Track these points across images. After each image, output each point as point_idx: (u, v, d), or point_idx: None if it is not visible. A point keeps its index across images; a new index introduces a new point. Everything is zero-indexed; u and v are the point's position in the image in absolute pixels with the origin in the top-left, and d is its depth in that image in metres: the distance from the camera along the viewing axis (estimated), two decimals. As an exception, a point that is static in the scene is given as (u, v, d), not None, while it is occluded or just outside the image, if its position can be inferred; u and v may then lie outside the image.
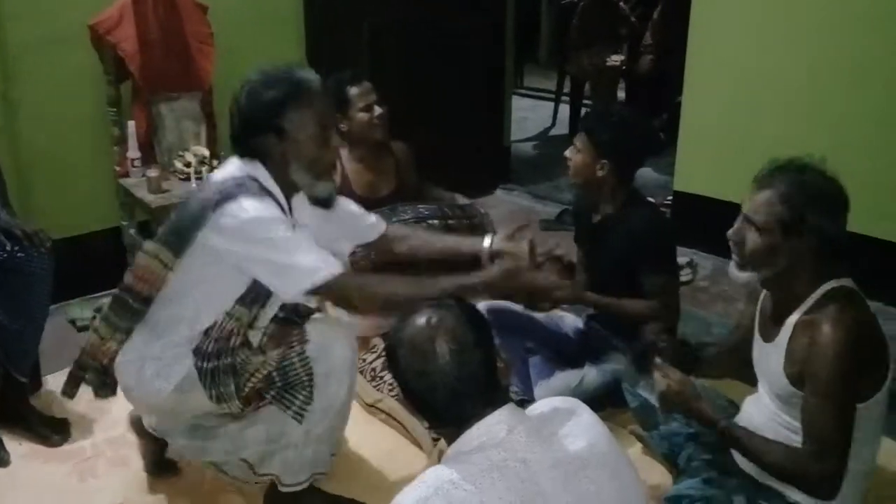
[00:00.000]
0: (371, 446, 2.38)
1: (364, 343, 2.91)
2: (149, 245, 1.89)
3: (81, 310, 3.16)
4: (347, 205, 2.11)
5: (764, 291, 1.85)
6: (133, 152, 3.26)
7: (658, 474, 2.19)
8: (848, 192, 1.67)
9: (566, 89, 6.63)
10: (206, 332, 1.86)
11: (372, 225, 2.15)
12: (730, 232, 1.74)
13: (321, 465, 2.00)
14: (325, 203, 1.92)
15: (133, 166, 3.26)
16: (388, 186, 3.02)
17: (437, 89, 4.45)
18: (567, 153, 2.44)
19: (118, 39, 3.13)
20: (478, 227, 3.00)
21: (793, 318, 1.70)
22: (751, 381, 1.93)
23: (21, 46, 3.11)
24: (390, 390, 2.52)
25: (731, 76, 3.67)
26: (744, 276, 1.74)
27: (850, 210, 1.66)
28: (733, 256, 1.76)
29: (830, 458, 1.57)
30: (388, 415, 2.49)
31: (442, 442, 1.97)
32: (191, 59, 3.34)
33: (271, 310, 1.93)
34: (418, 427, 2.34)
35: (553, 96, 7.05)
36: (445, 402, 1.22)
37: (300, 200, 1.94)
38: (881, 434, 1.76)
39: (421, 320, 1.26)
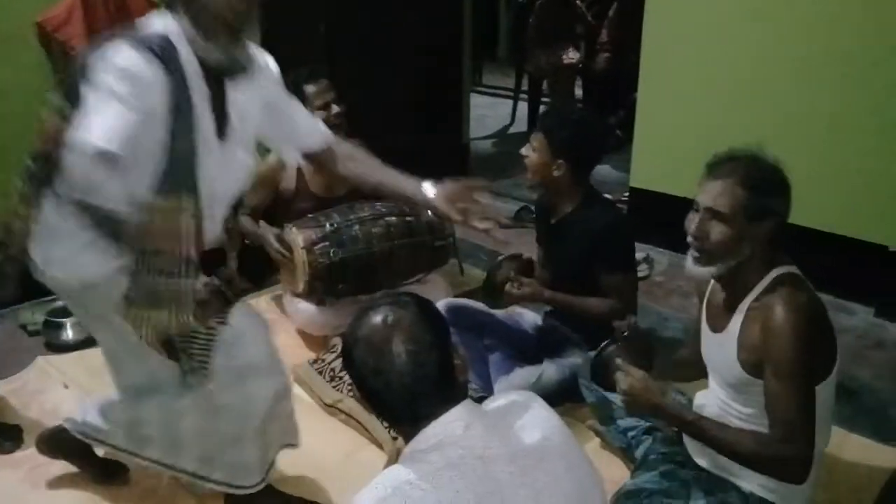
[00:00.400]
0: (331, 447, 2.36)
1: (323, 342, 2.90)
2: (50, 96, 1.67)
3: (32, 314, 3.09)
4: (297, 107, 1.99)
5: (711, 283, 1.86)
6: (84, 152, 3.20)
7: (616, 468, 2.21)
8: (800, 186, 1.69)
9: (524, 87, 6.67)
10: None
11: (320, 133, 2.02)
12: (692, 229, 1.71)
13: (269, 459, 1.98)
14: (220, 73, 1.66)
15: (84, 166, 3.20)
16: (346, 185, 2.94)
17: (396, 87, 4.44)
18: (523, 151, 2.45)
19: (67, 37, 3.07)
20: (440, 249, 3.01)
21: (744, 305, 1.72)
22: None
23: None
24: (349, 390, 2.51)
25: (685, 74, 3.72)
26: (702, 271, 1.73)
27: (797, 205, 1.69)
28: (692, 252, 1.74)
29: (798, 439, 1.58)
30: (348, 415, 2.47)
31: (400, 440, 1.97)
32: (143, 58, 3.28)
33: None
34: (378, 427, 2.33)
35: (512, 94, 7.10)
36: (401, 401, 1.21)
37: (251, 89, 1.73)
38: (831, 422, 1.79)
39: (377, 319, 1.24)
